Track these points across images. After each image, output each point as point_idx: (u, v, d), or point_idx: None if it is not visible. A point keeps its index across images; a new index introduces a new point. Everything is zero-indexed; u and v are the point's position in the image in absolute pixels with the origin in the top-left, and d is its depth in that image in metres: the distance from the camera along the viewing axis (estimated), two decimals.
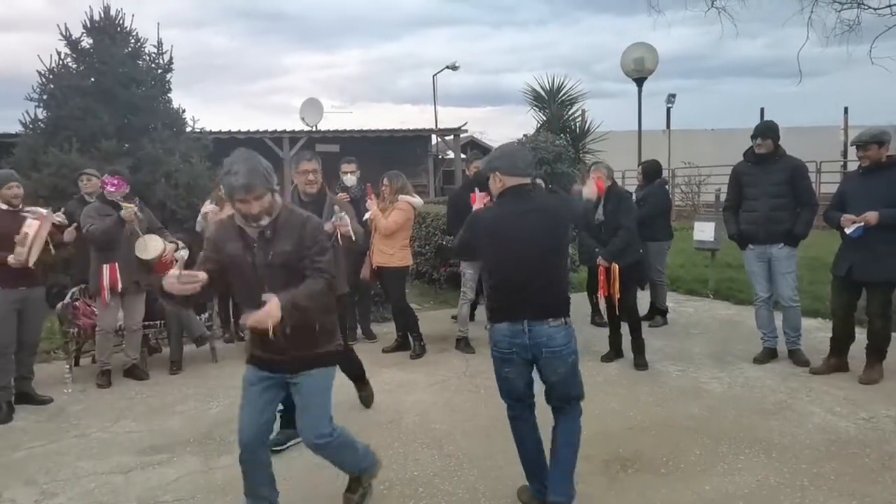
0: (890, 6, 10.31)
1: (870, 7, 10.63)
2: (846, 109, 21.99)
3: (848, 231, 4.55)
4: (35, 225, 4.61)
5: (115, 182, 5.25)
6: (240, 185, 2.61)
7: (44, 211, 4.83)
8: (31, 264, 4.59)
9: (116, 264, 5.19)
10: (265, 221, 2.72)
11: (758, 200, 5.11)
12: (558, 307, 2.98)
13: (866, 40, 11.38)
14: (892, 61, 10.63)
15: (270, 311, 2.55)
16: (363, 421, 4.34)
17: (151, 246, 5.35)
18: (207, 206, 6.56)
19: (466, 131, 19.37)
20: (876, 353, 4.71)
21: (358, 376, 4.58)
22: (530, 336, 2.92)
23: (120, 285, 5.21)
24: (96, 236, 5.11)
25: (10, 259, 4.53)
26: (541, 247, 2.95)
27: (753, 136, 5.12)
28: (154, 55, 9.26)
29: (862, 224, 4.48)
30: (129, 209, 5.16)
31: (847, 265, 4.68)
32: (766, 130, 5.08)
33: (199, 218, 6.56)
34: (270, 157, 17.70)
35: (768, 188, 5.04)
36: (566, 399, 3.07)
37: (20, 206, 4.82)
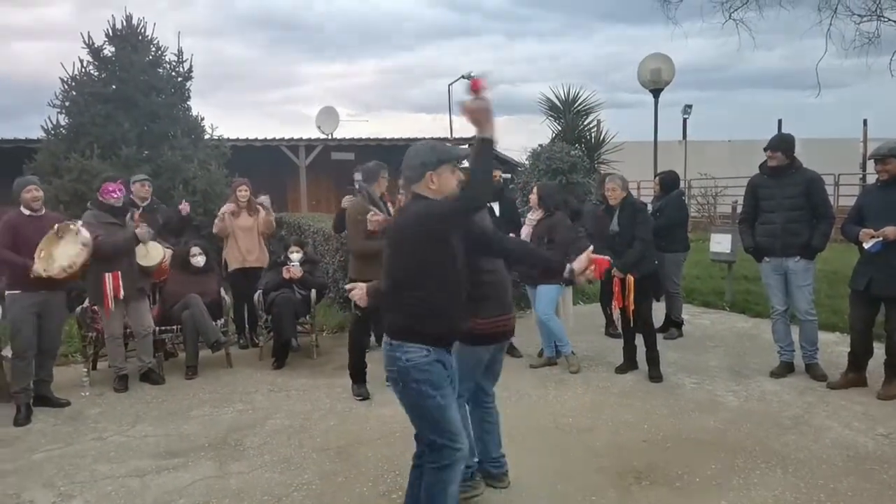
0: None
1: (890, 20, 10.57)
2: (865, 122, 21.72)
3: (867, 246, 4.51)
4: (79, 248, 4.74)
5: (119, 188, 5.31)
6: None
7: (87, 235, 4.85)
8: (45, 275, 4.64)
9: (119, 272, 5.19)
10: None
11: (774, 213, 5.07)
12: (389, 324, 2.72)
13: (886, 52, 11.26)
14: None
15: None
16: (375, 428, 4.35)
17: (153, 253, 5.43)
18: (225, 207, 6.68)
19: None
20: (894, 368, 4.65)
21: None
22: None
23: (122, 293, 5.21)
24: (110, 249, 5.09)
25: (35, 269, 4.60)
26: (389, 259, 2.77)
27: (766, 149, 5.10)
28: (174, 63, 9.41)
29: (881, 239, 4.44)
30: (144, 230, 5.23)
31: (865, 279, 4.63)
32: (779, 143, 5.05)
33: (216, 219, 6.65)
34: (287, 164, 17.88)
35: (784, 201, 5.01)
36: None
37: (42, 210, 4.90)
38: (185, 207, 6.66)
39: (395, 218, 2.95)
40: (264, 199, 6.87)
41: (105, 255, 5.09)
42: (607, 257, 3.40)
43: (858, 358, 4.85)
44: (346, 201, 6.34)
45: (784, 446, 3.91)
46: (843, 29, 12.33)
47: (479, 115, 2.41)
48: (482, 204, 2.68)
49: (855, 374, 4.85)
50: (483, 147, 2.42)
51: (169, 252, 5.62)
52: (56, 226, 4.76)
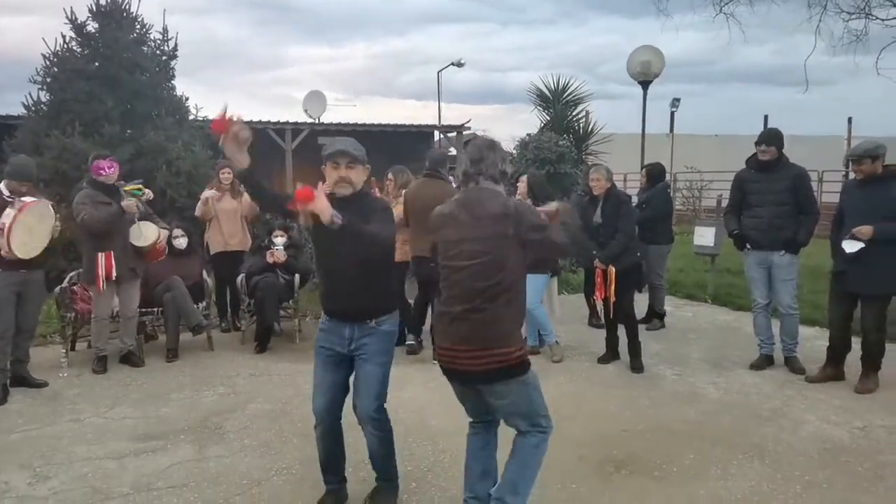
0: None
1: (878, 18, 10.65)
2: (850, 119, 21.96)
3: (847, 249, 4.55)
4: (10, 215, 4.53)
5: (110, 164, 5.20)
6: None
7: (28, 200, 4.69)
8: (16, 254, 4.54)
9: (112, 252, 5.14)
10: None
11: (761, 207, 5.10)
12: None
13: (874, 51, 11.36)
14: None
15: None
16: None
17: (147, 233, 5.34)
18: (207, 192, 6.58)
19: (470, 128, 19.32)
20: (871, 363, 4.72)
21: None
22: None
23: (115, 273, 5.17)
24: (95, 226, 5.05)
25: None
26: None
27: (758, 143, 5.11)
28: (159, 41, 9.25)
29: (862, 245, 4.48)
30: (132, 202, 5.14)
31: (842, 267, 4.69)
32: (771, 137, 5.07)
33: (199, 203, 6.56)
34: (273, 147, 17.74)
35: (771, 196, 5.04)
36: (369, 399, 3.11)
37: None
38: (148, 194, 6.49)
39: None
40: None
41: (94, 230, 5.04)
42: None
43: (836, 353, 4.91)
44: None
45: (762, 438, 3.95)
46: (833, 26, 12.45)
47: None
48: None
49: (833, 368, 4.91)
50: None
51: (164, 233, 5.52)
52: (18, 201, 4.60)
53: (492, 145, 2.81)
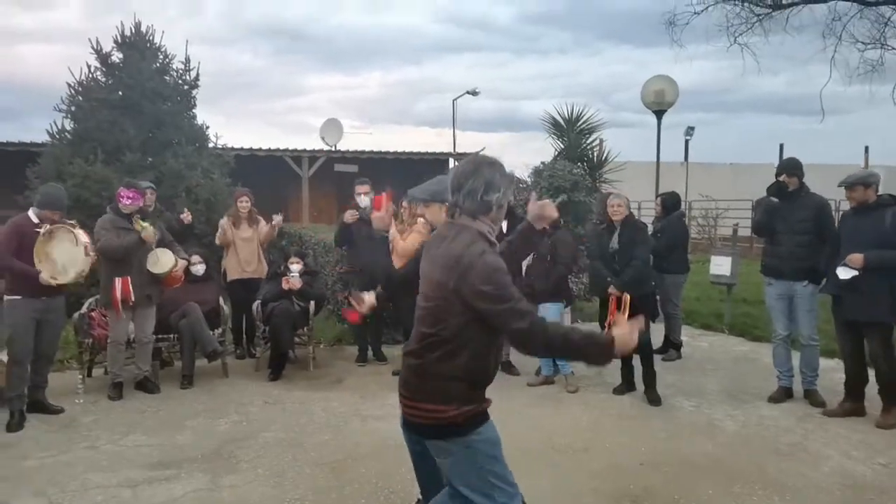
0: None
1: (893, 48, 10.65)
2: (867, 148, 21.87)
3: (842, 277, 4.54)
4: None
5: (132, 195, 5.29)
6: None
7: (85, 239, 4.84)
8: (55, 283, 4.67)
9: (129, 277, 5.21)
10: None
11: (783, 235, 5.08)
12: None
13: (889, 80, 11.38)
14: None
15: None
16: (370, 444, 4.32)
17: (163, 260, 5.41)
18: (224, 221, 6.70)
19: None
20: (889, 396, 4.63)
21: None
22: None
23: (132, 298, 5.23)
24: (111, 253, 5.12)
25: (43, 276, 4.61)
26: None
27: (779, 173, 5.10)
28: (181, 71, 9.43)
29: (856, 272, 4.46)
30: (149, 230, 5.22)
31: (834, 290, 4.69)
32: (793, 167, 5.07)
33: (219, 233, 6.67)
34: (289, 174, 17.95)
35: (793, 224, 5.01)
36: None
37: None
38: (186, 217, 6.66)
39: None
40: (278, 219, 6.88)
41: (111, 256, 5.13)
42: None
43: (853, 385, 4.83)
44: (349, 215, 6.36)
45: (781, 473, 3.88)
46: (848, 56, 12.47)
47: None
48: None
49: (852, 402, 4.82)
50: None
51: (182, 263, 5.59)
52: (45, 226, 4.73)
53: (476, 169, 2.31)
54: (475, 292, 2.15)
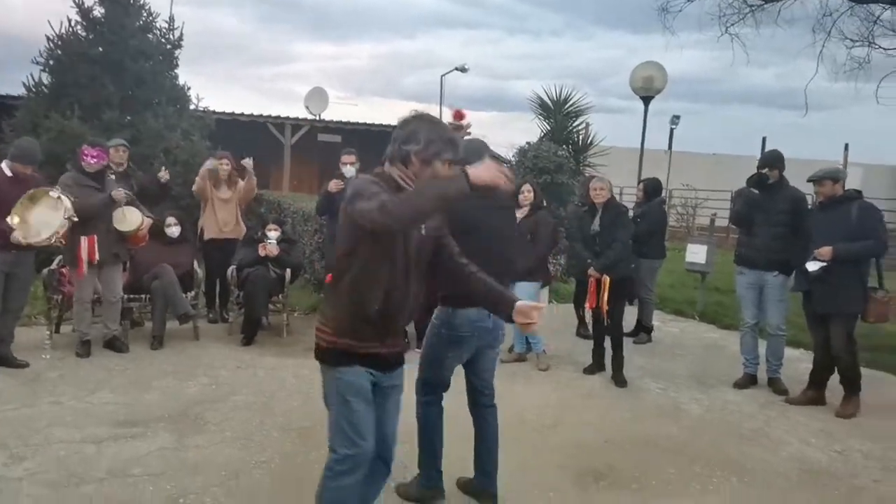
0: None
1: (880, 46, 10.73)
2: (847, 146, 22.10)
3: (810, 269, 4.62)
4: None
5: (97, 154, 5.16)
6: (459, 145, 2.44)
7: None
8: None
9: (95, 237, 5.09)
10: None
11: (760, 227, 5.14)
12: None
13: (874, 79, 11.47)
14: None
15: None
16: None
17: (130, 218, 5.32)
18: (209, 164, 6.62)
19: (470, 133, 19.37)
20: (850, 386, 4.74)
21: None
22: (493, 321, 3.03)
23: (97, 257, 5.12)
24: (82, 213, 4.96)
25: (15, 235, 4.53)
26: (512, 239, 3.33)
27: (761, 165, 5.15)
28: (165, 30, 9.25)
29: (824, 264, 4.55)
30: (120, 192, 5.12)
31: (805, 287, 4.77)
32: (775, 160, 5.12)
33: (198, 178, 6.59)
34: (271, 142, 17.71)
35: (771, 216, 5.08)
36: (491, 385, 3.28)
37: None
38: (164, 175, 6.54)
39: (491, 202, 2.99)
40: (247, 161, 6.77)
41: (81, 215, 5.00)
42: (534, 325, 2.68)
43: (818, 375, 4.94)
44: (334, 185, 6.31)
45: (742, 456, 3.97)
46: (836, 52, 12.54)
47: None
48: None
49: (814, 391, 4.93)
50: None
51: (148, 221, 5.50)
52: (31, 191, 4.65)
53: (408, 121, 2.39)
54: (348, 198, 2.27)
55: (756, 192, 5.17)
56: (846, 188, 4.82)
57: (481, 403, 3.25)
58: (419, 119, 2.40)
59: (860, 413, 4.70)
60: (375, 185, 2.25)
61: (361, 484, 2.44)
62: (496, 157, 3.11)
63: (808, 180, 4.85)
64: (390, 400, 2.54)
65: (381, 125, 16.92)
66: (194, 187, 6.66)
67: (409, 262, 2.37)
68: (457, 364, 3.17)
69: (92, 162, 5.13)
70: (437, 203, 2.13)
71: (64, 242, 4.90)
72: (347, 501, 2.43)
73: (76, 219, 4.77)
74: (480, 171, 2.10)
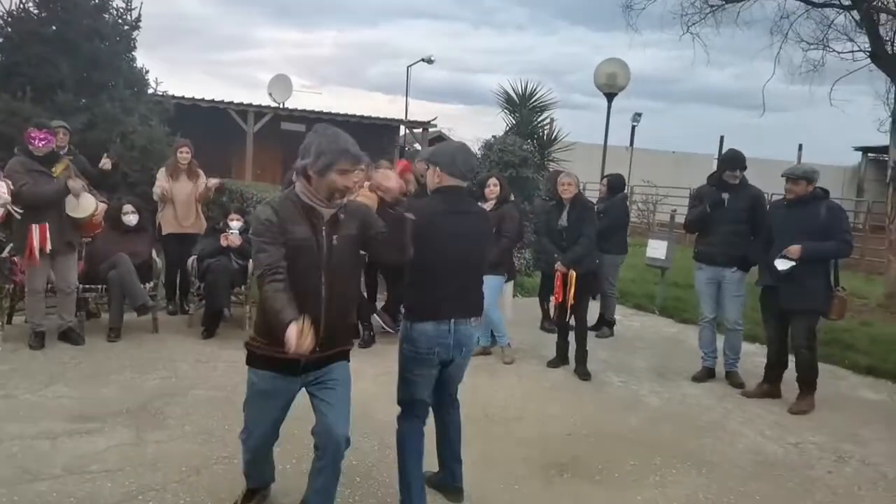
0: (852, 52, 10.76)
1: (834, 50, 11.08)
2: (801, 146, 22.79)
3: (780, 267, 4.69)
4: None
5: (44, 137, 4.97)
6: (355, 152, 2.51)
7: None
8: None
9: (47, 225, 4.92)
10: (343, 201, 2.59)
11: (718, 224, 5.24)
12: (479, 307, 3.09)
13: (828, 81, 11.86)
14: (850, 104, 11.11)
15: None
16: (301, 408, 4.29)
17: (84, 204, 5.15)
18: (161, 174, 6.41)
19: (436, 126, 19.35)
20: (806, 384, 4.86)
21: None
22: (455, 336, 2.91)
23: (49, 246, 4.94)
24: (33, 200, 4.81)
25: None
26: (479, 248, 3.06)
27: (728, 168, 5.20)
28: (122, 11, 8.94)
29: (794, 263, 4.63)
30: (77, 181, 4.95)
31: (770, 281, 4.83)
32: (740, 161, 5.21)
33: (156, 188, 6.37)
34: (234, 129, 17.38)
35: (729, 214, 5.18)
36: (456, 391, 3.26)
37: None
38: (106, 162, 6.29)
39: (476, 210, 3.22)
40: (214, 182, 6.58)
41: (32, 205, 4.81)
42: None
43: (773, 370, 5.08)
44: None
45: (700, 448, 4.07)
46: (792, 54, 12.89)
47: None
48: None
49: (769, 385, 5.08)
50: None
51: (102, 206, 5.33)
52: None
53: (309, 134, 2.57)
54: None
55: (725, 195, 5.21)
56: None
57: (443, 399, 3.20)
58: (314, 133, 2.54)
59: (814, 409, 4.83)
60: (262, 226, 2.49)
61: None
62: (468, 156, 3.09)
63: (784, 176, 4.88)
64: (328, 394, 2.68)
65: (345, 115, 16.76)
66: (155, 196, 6.40)
67: (319, 271, 2.53)
68: (429, 383, 3.00)
69: (40, 145, 4.94)
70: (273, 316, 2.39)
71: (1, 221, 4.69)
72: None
73: (8, 199, 4.59)
74: (293, 341, 2.31)
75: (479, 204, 5.71)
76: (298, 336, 2.29)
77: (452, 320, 2.89)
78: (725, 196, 5.21)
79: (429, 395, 3.03)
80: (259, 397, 2.74)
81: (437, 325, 2.87)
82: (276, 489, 3.14)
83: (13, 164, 4.92)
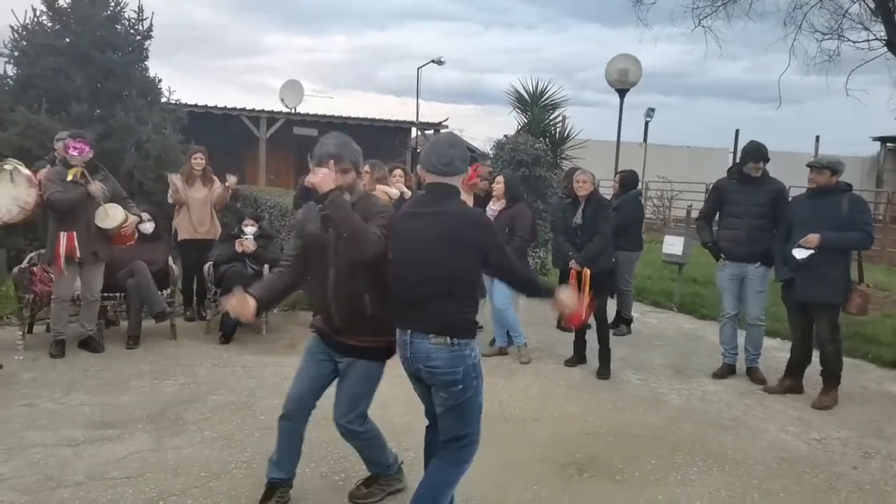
0: (868, 41, 10.61)
1: (849, 40, 10.93)
2: (818, 138, 22.48)
3: (798, 256, 4.64)
4: None
5: (79, 146, 5.06)
6: (318, 152, 2.78)
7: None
8: None
9: (75, 233, 5.01)
10: (347, 197, 2.75)
11: (739, 219, 5.16)
12: (445, 324, 2.61)
13: (844, 72, 11.70)
14: (866, 94, 10.97)
15: None
16: (324, 412, 4.30)
17: (112, 215, 5.20)
18: (174, 177, 6.47)
19: (447, 127, 19.34)
20: (830, 378, 4.78)
21: None
22: (411, 349, 2.65)
23: (78, 254, 5.04)
24: (61, 207, 4.93)
25: None
26: (437, 254, 2.58)
27: (751, 160, 5.12)
28: (133, 21, 9.04)
29: (811, 251, 4.56)
30: (97, 186, 5.01)
31: (789, 275, 4.77)
32: (763, 154, 5.13)
33: (171, 191, 6.44)
34: (246, 135, 17.46)
35: (751, 208, 5.10)
36: (449, 437, 2.75)
37: None
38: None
39: (444, 209, 2.66)
40: (233, 180, 6.64)
41: (58, 210, 4.95)
42: (584, 316, 3.20)
43: (796, 365, 5.00)
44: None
45: (722, 445, 4.01)
46: (806, 45, 12.74)
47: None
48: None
49: (792, 380, 5.00)
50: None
51: (133, 218, 5.38)
52: None
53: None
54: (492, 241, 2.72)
55: (734, 182, 5.15)
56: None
57: (435, 437, 2.88)
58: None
59: (837, 404, 4.76)
60: (292, 230, 3.11)
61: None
62: (471, 151, 3.05)
63: (808, 165, 4.81)
64: (339, 383, 3.02)
65: (356, 118, 16.80)
66: (169, 199, 6.48)
67: (326, 264, 2.80)
68: (421, 392, 2.87)
69: (74, 154, 5.03)
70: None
71: (30, 213, 4.86)
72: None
73: (37, 189, 4.68)
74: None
75: (490, 205, 5.74)
76: (234, 302, 2.78)
77: (409, 332, 2.66)
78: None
79: (428, 406, 2.90)
80: (305, 355, 3.06)
81: (400, 333, 2.72)
82: (294, 494, 3.14)
83: (48, 173, 5.06)
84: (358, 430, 3.00)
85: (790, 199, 5.20)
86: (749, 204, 5.12)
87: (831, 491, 3.49)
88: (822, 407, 4.70)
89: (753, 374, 5.31)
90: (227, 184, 6.55)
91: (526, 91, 10.12)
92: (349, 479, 3.36)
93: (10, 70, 8.49)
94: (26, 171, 4.64)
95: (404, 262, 2.67)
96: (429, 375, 2.66)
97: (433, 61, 21.65)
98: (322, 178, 2.65)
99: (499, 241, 2.73)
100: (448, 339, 2.59)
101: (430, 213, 2.65)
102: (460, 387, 2.63)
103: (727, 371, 5.41)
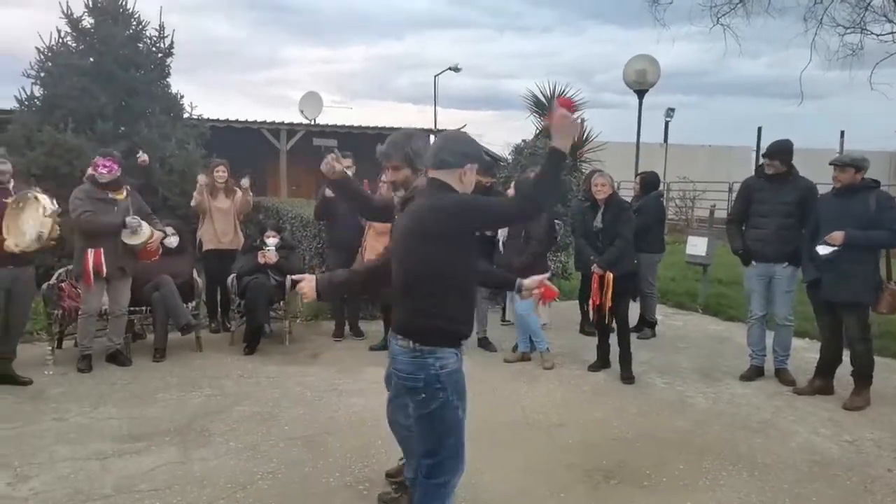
0: (892, 33, 10.41)
1: (872, 33, 10.74)
2: (842, 133, 22.06)
3: (822, 253, 4.56)
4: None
5: (108, 164, 5.17)
6: (380, 151, 2.94)
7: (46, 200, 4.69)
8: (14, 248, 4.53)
9: (102, 249, 5.11)
10: (401, 193, 2.91)
11: (767, 218, 5.08)
12: (408, 326, 2.46)
13: (868, 65, 11.50)
14: (891, 88, 10.77)
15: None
16: (338, 423, 4.31)
17: (139, 231, 5.29)
18: (202, 178, 6.59)
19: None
20: (862, 378, 4.68)
21: None
22: (391, 348, 2.57)
23: (105, 270, 5.13)
24: (92, 229, 5.04)
25: (8, 244, 4.50)
26: (405, 248, 2.46)
27: (766, 157, 5.08)
28: (155, 39, 9.21)
29: (836, 248, 4.48)
30: (135, 219, 5.15)
31: (815, 275, 4.69)
32: (777, 152, 5.05)
33: (196, 193, 6.55)
34: (267, 148, 17.63)
35: (779, 206, 5.02)
36: (423, 451, 2.53)
37: (10, 184, 4.76)
38: (144, 159, 6.49)
39: (420, 202, 2.50)
40: (246, 182, 6.74)
41: (93, 232, 5.08)
42: (556, 289, 3.08)
43: (826, 365, 4.90)
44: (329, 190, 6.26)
45: (751, 449, 3.94)
46: (828, 40, 12.55)
47: (568, 129, 2.44)
48: (541, 212, 2.56)
49: (822, 381, 4.90)
50: (557, 157, 2.39)
51: (159, 234, 5.48)
52: (12, 198, 4.61)
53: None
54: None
55: (762, 180, 5.08)
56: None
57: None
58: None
59: (869, 405, 4.66)
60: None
61: None
62: (488, 155, 3.08)
63: (832, 164, 4.73)
64: None
65: (375, 127, 16.90)
66: (193, 203, 6.60)
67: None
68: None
69: (103, 172, 5.14)
70: None
71: (54, 244, 4.88)
72: None
73: (58, 209, 4.75)
74: None
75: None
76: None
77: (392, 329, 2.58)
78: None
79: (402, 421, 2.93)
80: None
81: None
82: None
83: (77, 192, 5.17)
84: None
85: (819, 196, 5.10)
86: (776, 203, 5.03)
87: (866, 494, 3.41)
88: (853, 408, 4.59)
89: (782, 376, 5.21)
90: (243, 186, 6.62)
91: (543, 95, 10.12)
92: (374, 488, 3.35)
93: (38, 91, 8.69)
94: (46, 201, 4.70)
95: (393, 259, 2.59)
96: (396, 378, 2.57)
97: (450, 68, 21.76)
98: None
99: (462, 224, 2.41)
100: (410, 342, 2.42)
101: (409, 210, 2.55)
102: (422, 396, 2.42)
103: (755, 373, 5.32)
